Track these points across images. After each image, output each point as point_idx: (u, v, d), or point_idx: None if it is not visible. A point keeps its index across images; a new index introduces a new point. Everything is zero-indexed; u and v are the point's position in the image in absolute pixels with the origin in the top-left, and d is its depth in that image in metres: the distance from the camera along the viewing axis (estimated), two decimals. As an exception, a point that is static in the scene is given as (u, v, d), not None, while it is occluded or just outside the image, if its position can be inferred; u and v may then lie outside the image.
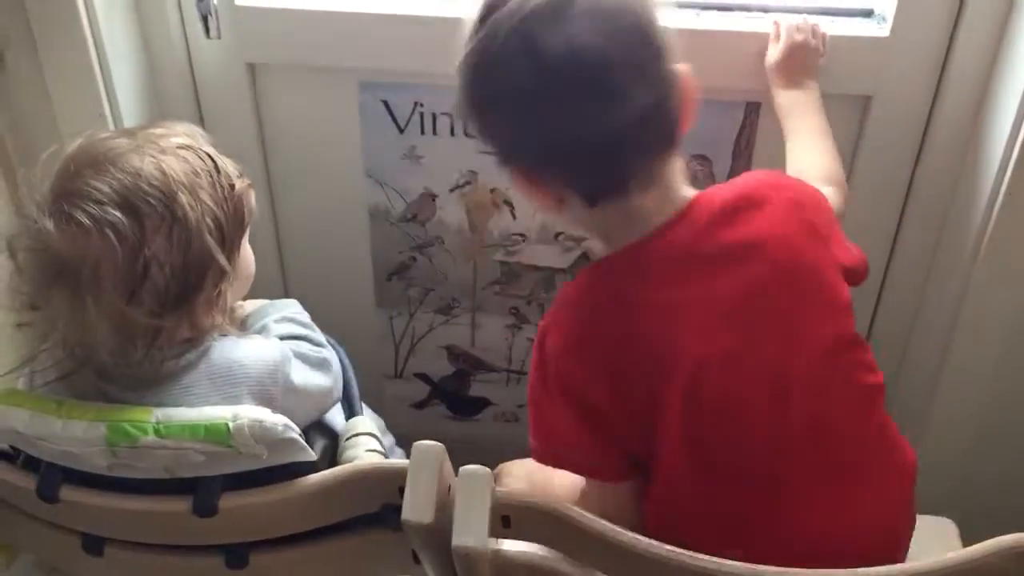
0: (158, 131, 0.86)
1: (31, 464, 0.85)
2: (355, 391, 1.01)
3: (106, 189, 0.78)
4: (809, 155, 1.09)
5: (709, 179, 1.31)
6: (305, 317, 1.00)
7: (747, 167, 1.29)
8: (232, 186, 0.85)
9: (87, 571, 0.96)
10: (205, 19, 1.20)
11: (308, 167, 1.35)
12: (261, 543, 0.90)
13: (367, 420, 1.00)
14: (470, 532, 0.78)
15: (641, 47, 0.83)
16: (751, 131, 1.26)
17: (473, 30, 0.83)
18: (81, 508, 0.85)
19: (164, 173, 0.80)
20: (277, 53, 1.26)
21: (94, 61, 1.15)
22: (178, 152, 0.83)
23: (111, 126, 1.18)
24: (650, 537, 0.76)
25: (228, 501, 0.83)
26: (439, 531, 0.80)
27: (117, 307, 0.79)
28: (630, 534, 0.78)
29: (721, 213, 0.86)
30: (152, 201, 0.79)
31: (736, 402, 0.84)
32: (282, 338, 0.92)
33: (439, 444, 0.82)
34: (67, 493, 0.84)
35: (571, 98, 0.80)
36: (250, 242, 0.95)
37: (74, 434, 0.79)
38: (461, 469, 0.81)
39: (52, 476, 0.83)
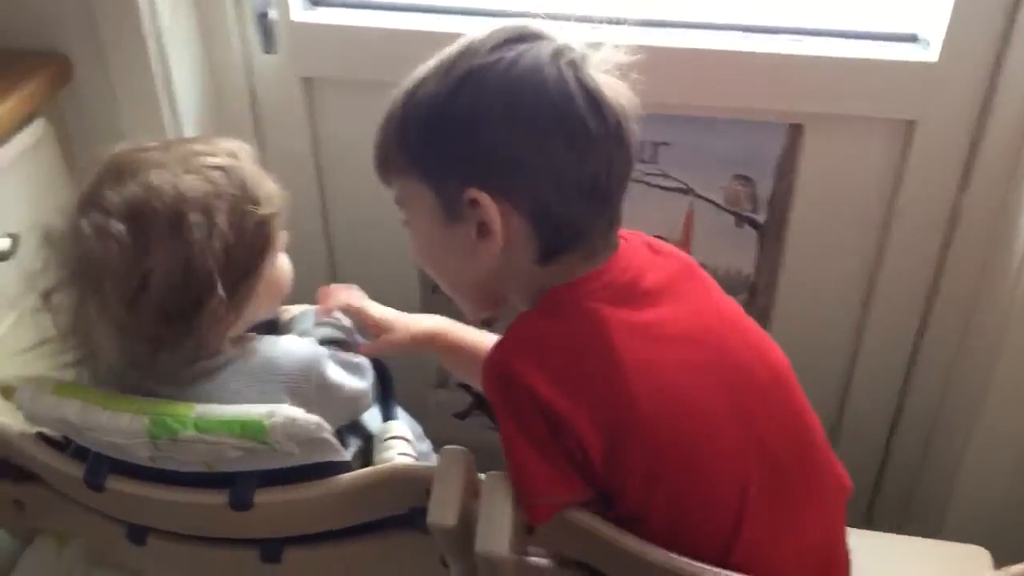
0: (198, 147, 0.88)
1: (80, 454, 0.90)
2: (392, 395, 1.04)
3: (117, 200, 0.81)
4: None
5: (750, 200, 1.32)
6: (346, 322, 1.03)
7: (790, 190, 1.29)
8: (256, 210, 0.86)
9: (131, 560, 1.01)
10: (264, 35, 1.25)
11: (360, 180, 1.38)
12: (295, 539, 0.93)
13: (402, 424, 1.02)
14: (493, 537, 0.79)
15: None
16: (794, 153, 1.27)
17: (500, 38, 0.81)
18: (126, 498, 0.89)
19: (177, 191, 0.82)
20: (332, 68, 1.30)
21: (157, 73, 1.21)
22: (204, 171, 0.84)
23: (171, 135, 1.24)
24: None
25: (263, 496, 0.87)
26: (465, 535, 0.82)
27: (118, 314, 0.82)
28: (660, 549, 0.79)
29: (647, 253, 0.87)
30: (158, 217, 0.81)
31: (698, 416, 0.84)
32: (321, 341, 0.96)
33: (466, 449, 0.85)
34: (113, 482, 0.88)
35: (602, 139, 0.79)
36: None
37: (119, 425, 0.83)
38: (487, 474, 0.83)
39: (99, 465, 0.87)
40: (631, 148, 0.83)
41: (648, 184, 1.32)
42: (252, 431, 0.81)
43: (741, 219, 1.34)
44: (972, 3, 1.10)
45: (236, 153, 0.89)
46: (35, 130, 1.16)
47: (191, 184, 0.83)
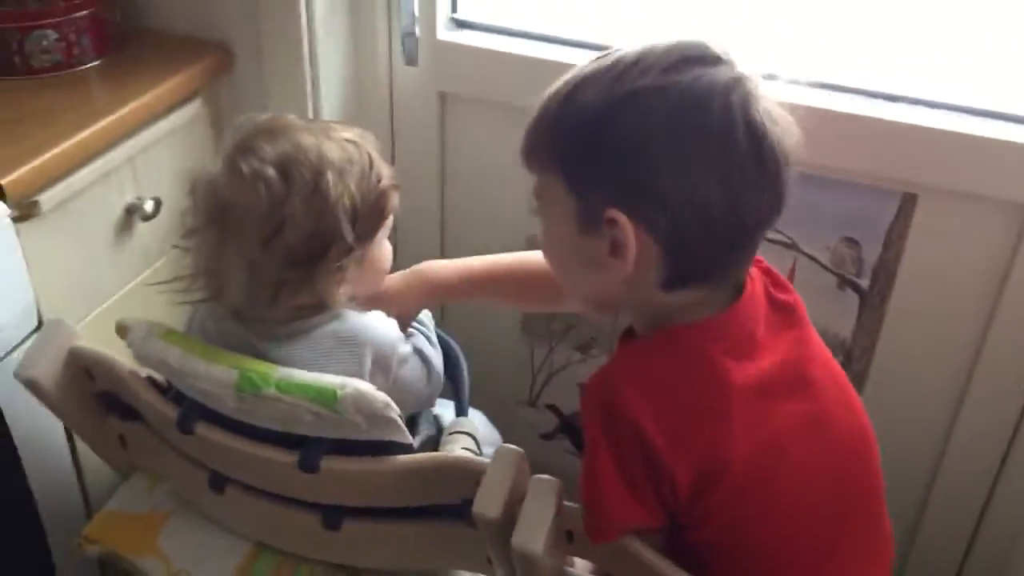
0: (335, 124, 1.00)
1: (178, 400, 0.99)
2: (465, 391, 1.10)
3: (270, 152, 0.91)
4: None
5: (857, 263, 1.31)
6: (427, 319, 1.10)
7: (897, 259, 1.29)
8: (379, 183, 0.96)
9: (210, 507, 1.09)
10: (408, 49, 1.34)
11: (480, 193, 1.46)
12: (354, 512, 1.00)
13: (472, 422, 1.08)
14: (531, 534, 0.84)
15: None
16: (906, 222, 1.26)
17: (677, 56, 0.79)
18: (210, 445, 0.97)
19: (320, 152, 0.92)
20: (467, 86, 1.38)
21: (307, 72, 1.31)
22: (341, 142, 0.95)
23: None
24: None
25: (329, 463, 0.93)
26: (507, 531, 0.86)
27: (252, 251, 0.91)
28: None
29: (771, 301, 0.89)
30: (303, 170, 0.91)
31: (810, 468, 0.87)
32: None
33: (521, 450, 0.89)
34: (201, 428, 0.96)
35: (757, 183, 0.79)
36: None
37: (212, 375, 0.91)
38: (534, 477, 0.88)
39: (191, 411, 0.96)
40: (784, 195, 0.82)
41: (754, 234, 1.34)
42: (325, 398, 0.88)
43: (844, 282, 1.33)
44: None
45: (363, 135, 0.99)
46: (192, 109, 1.28)
47: (331, 149, 0.93)
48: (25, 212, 1.05)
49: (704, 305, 0.84)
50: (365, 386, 0.89)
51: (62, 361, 1.01)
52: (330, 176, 0.91)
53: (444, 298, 1.18)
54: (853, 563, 0.91)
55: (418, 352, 1.01)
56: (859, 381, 1.39)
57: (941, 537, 1.41)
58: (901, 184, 1.24)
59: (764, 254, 1.32)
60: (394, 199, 0.98)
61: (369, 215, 0.95)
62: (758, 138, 0.78)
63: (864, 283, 1.32)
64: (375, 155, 0.97)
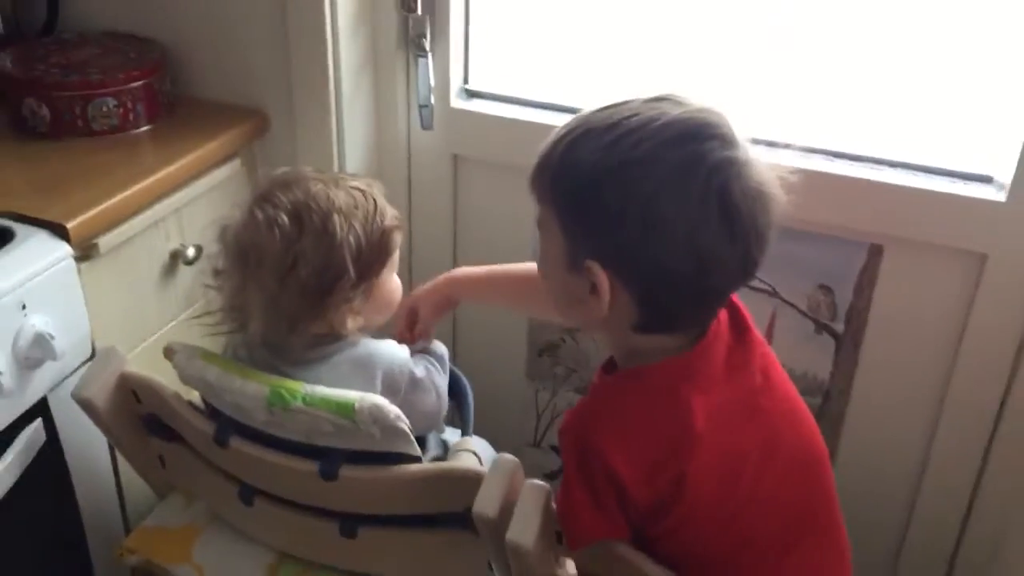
0: (345, 175, 1.14)
1: (213, 418, 1.12)
2: (470, 416, 1.22)
3: (284, 200, 1.05)
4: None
5: (831, 308, 1.44)
6: (441, 350, 1.23)
7: (867, 305, 1.41)
8: (383, 223, 1.09)
9: (239, 519, 1.21)
10: (424, 115, 1.50)
11: (490, 245, 1.60)
12: (368, 520, 1.11)
13: (477, 441, 1.20)
14: (522, 530, 0.95)
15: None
16: (873, 271, 1.39)
17: (673, 132, 0.86)
18: (243, 457, 1.09)
19: (328, 199, 1.06)
20: (478, 149, 1.53)
21: (334, 137, 1.47)
22: (349, 189, 1.09)
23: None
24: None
25: (347, 471, 1.05)
26: (503, 531, 0.98)
27: (270, 286, 1.04)
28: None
29: (732, 334, 0.97)
30: (312, 215, 1.05)
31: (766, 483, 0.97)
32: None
33: (516, 459, 1.01)
34: (235, 442, 1.09)
35: (727, 259, 0.87)
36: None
37: (246, 390, 1.04)
38: (526, 481, 0.99)
39: (227, 425, 1.09)
40: (755, 264, 0.90)
41: (738, 283, 1.47)
42: (344, 410, 1.01)
43: (820, 326, 1.45)
44: (1040, 151, 1.21)
45: (372, 184, 1.13)
46: (231, 168, 1.43)
47: (338, 195, 1.07)
48: (85, 253, 1.20)
49: (674, 346, 0.93)
50: (380, 400, 1.01)
51: (113, 384, 1.14)
52: (336, 219, 1.05)
53: (464, 293, 1.30)
54: (805, 571, 1.00)
55: (427, 376, 1.14)
56: (838, 419, 1.50)
57: (923, 557, 1.50)
58: (868, 236, 1.37)
59: (747, 301, 1.45)
60: (397, 237, 1.12)
61: (373, 251, 1.08)
62: (731, 219, 0.85)
63: (839, 328, 1.44)
64: (380, 199, 1.11)
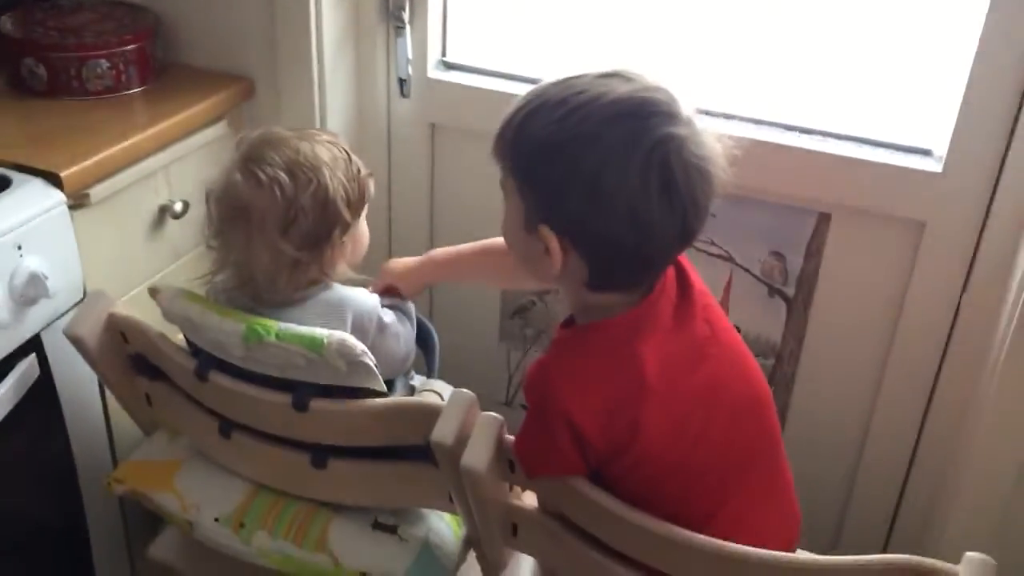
0: (313, 131, 1.22)
1: (194, 355, 1.20)
2: (435, 362, 1.30)
3: (278, 159, 1.14)
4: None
5: (782, 274, 1.52)
6: (408, 306, 1.31)
7: (816, 270, 1.49)
8: (359, 172, 1.19)
9: (218, 453, 1.29)
10: (401, 83, 1.58)
11: (465, 213, 1.69)
12: (337, 451, 1.20)
13: (443, 386, 1.28)
14: (476, 455, 1.03)
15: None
16: (822, 237, 1.47)
17: (616, 110, 0.91)
18: (222, 391, 1.18)
19: (315, 154, 1.15)
20: (453, 118, 1.61)
21: (316, 102, 1.56)
22: (325, 143, 1.18)
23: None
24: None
25: (316, 404, 1.14)
26: (459, 459, 1.06)
27: (273, 241, 1.13)
28: (625, 505, 0.98)
29: (678, 290, 1.05)
30: (306, 170, 1.13)
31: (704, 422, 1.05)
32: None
33: (472, 394, 1.09)
34: (214, 376, 1.17)
35: (666, 227, 0.94)
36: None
37: (224, 327, 1.12)
38: (480, 414, 1.08)
39: (207, 361, 1.17)
40: (692, 235, 0.97)
41: (696, 249, 1.55)
42: (315, 345, 1.10)
43: (773, 290, 1.54)
44: (972, 124, 1.30)
45: (336, 135, 1.22)
46: (218, 129, 1.52)
47: (321, 151, 1.16)
48: (78, 201, 1.28)
49: (625, 302, 1.01)
50: (348, 336, 1.10)
51: (102, 324, 1.22)
52: (326, 172, 1.14)
53: (441, 275, 1.39)
54: (751, 507, 1.08)
55: (393, 323, 1.22)
56: (790, 380, 1.59)
57: (867, 513, 1.60)
58: (816, 204, 1.45)
59: (705, 267, 1.55)
60: (370, 184, 1.21)
61: (356, 198, 1.18)
62: (670, 193, 0.92)
63: (790, 292, 1.53)
64: (350, 151, 1.20)
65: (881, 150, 1.40)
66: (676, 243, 0.99)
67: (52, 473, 1.36)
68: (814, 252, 1.49)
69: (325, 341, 1.09)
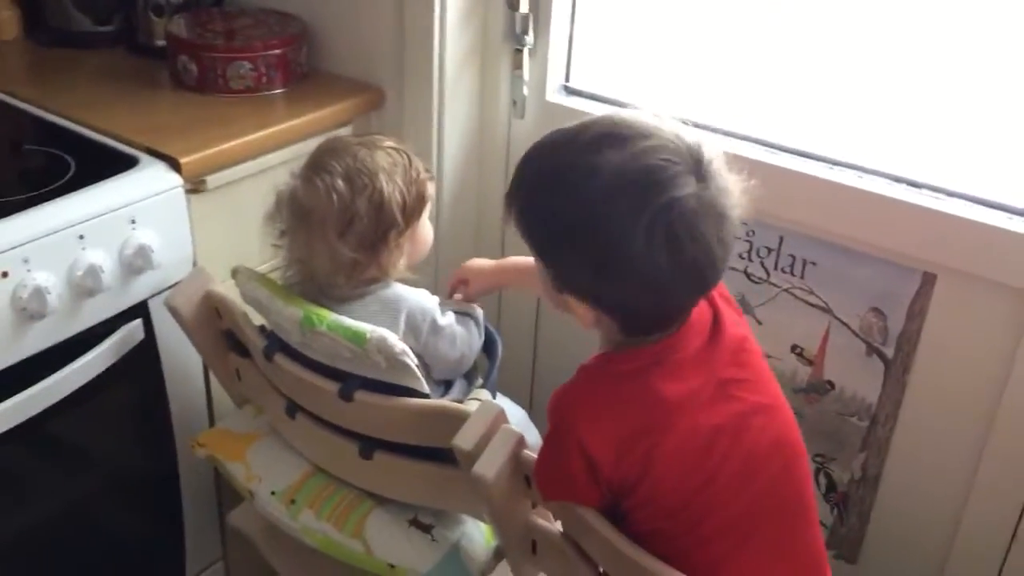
0: (378, 137, 1.28)
1: (266, 335, 1.29)
2: (493, 373, 1.33)
3: (337, 166, 1.21)
4: None
5: (882, 332, 1.44)
6: (477, 313, 1.35)
7: (918, 332, 1.41)
8: (418, 176, 1.24)
9: (286, 431, 1.38)
10: (516, 105, 1.63)
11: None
12: (383, 445, 1.25)
13: (501, 400, 1.31)
14: (486, 464, 1.06)
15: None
16: (925, 299, 1.39)
17: (624, 182, 0.92)
18: (283, 372, 1.26)
19: (373, 161, 1.22)
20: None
21: (435, 118, 1.63)
22: (387, 150, 1.24)
23: (435, 168, 1.65)
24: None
25: (361, 396, 1.20)
26: (480, 467, 1.09)
27: (332, 242, 1.20)
28: (627, 541, 0.98)
29: (710, 330, 1.04)
30: (363, 177, 1.20)
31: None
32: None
33: (500, 406, 1.12)
34: (278, 358, 1.26)
35: (678, 286, 0.96)
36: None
37: (285, 312, 1.21)
38: (503, 427, 1.10)
39: (273, 342, 1.26)
40: (709, 284, 0.99)
41: (795, 296, 1.50)
42: (357, 339, 1.16)
43: (871, 349, 1.47)
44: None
45: (401, 143, 1.28)
46: (343, 133, 1.62)
47: (380, 158, 1.23)
48: (195, 187, 1.41)
49: (656, 337, 1.02)
50: (389, 334, 1.15)
51: (199, 298, 1.34)
52: (383, 177, 1.21)
53: (516, 280, 1.43)
54: (763, 560, 1.04)
55: (448, 325, 1.26)
56: (884, 443, 1.50)
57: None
58: (922, 263, 1.37)
59: (802, 316, 1.50)
60: (430, 187, 1.27)
61: (414, 201, 1.23)
62: (680, 255, 0.93)
63: (889, 352, 1.45)
64: (412, 155, 1.26)
65: (995, 212, 1.31)
66: (694, 293, 1.01)
67: (150, 430, 1.49)
68: (916, 313, 1.41)
69: (368, 336, 1.15)
